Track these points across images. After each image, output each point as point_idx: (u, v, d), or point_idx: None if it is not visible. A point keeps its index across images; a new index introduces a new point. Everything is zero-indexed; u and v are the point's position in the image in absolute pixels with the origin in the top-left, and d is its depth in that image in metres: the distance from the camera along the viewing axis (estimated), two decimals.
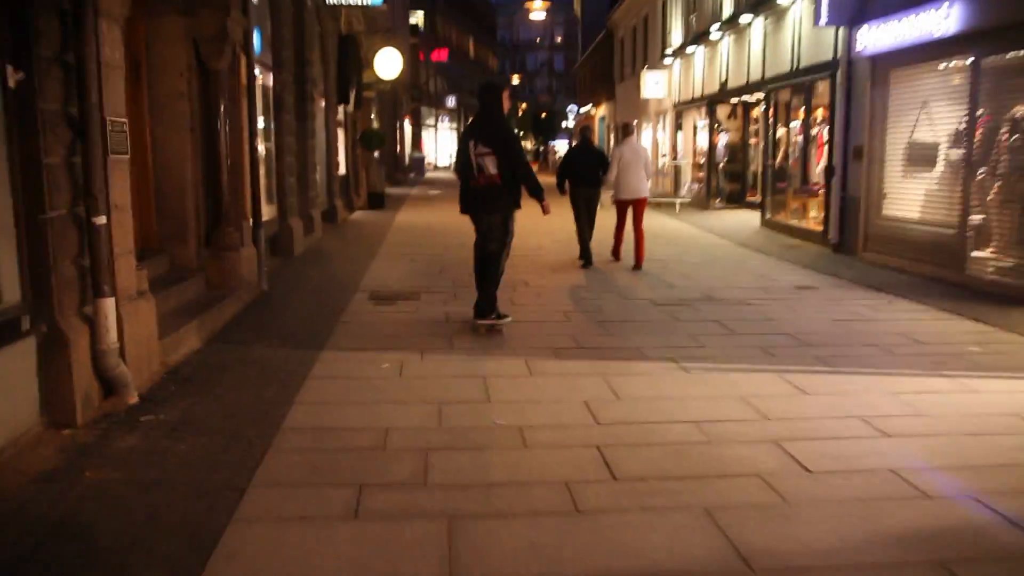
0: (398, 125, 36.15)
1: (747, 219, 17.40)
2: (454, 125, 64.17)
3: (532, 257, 11.48)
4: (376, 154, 21.83)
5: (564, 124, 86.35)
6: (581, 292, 8.88)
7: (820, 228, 13.47)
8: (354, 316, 7.42)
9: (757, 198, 18.77)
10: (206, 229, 7.58)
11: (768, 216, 15.79)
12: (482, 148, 6.53)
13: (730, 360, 6.03)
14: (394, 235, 14.04)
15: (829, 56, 12.67)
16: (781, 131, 15.73)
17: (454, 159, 8.20)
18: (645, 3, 26.80)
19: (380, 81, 19.89)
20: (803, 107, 15.12)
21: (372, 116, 24.87)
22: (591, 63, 43.54)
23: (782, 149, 15.79)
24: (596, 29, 41.20)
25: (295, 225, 11.17)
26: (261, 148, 10.22)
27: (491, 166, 6.52)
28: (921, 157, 10.68)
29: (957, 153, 9.73)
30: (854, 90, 11.94)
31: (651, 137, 27.00)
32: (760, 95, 17.13)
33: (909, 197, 10.88)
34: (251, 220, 8.33)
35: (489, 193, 6.61)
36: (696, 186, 21.67)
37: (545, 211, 7.26)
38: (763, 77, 15.82)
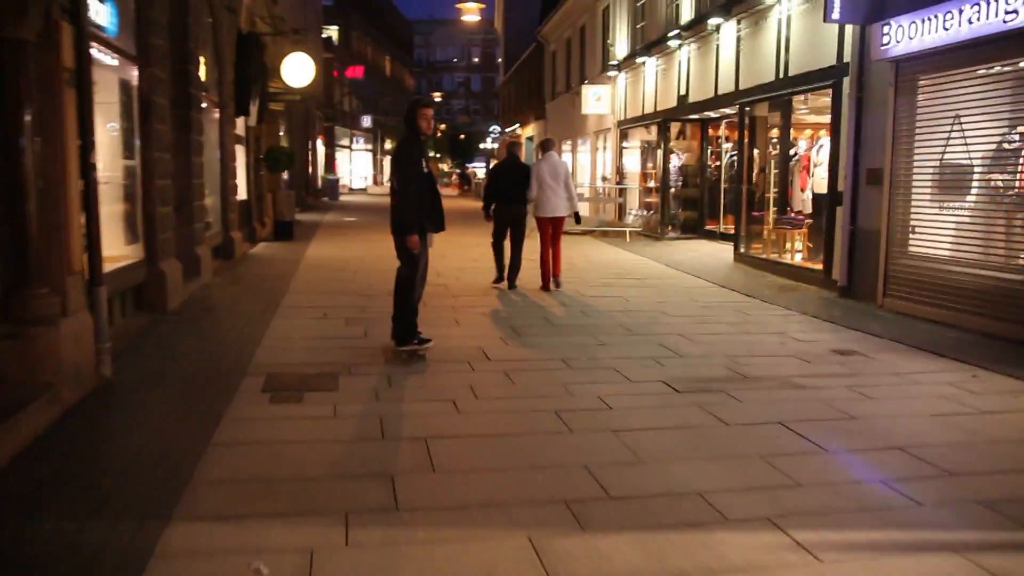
0: (310, 145, 33.23)
1: (712, 251, 15.30)
2: (370, 146, 61.39)
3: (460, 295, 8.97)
4: (284, 176, 19.00)
5: (482, 146, 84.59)
6: (549, 364, 6.41)
7: (818, 266, 11.38)
8: (236, 431, 4.74)
9: (718, 227, 16.76)
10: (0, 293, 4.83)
11: (743, 250, 13.68)
12: (392, 167, 6.63)
13: (856, 524, 3.65)
14: (303, 276, 11.32)
15: (831, 61, 10.62)
16: (752, 151, 13.69)
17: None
18: (582, 12, 24.74)
19: (289, 91, 17.14)
20: (782, 123, 13.14)
21: (280, 132, 22.02)
22: (517, 80, 41.45)
23: (757, 172, 13.73)
24: (521, 45, 39.18)
25: (170, 270, 8.39)
26: (117, 164, 7.48)
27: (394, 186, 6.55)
28: (960, 182, 8.67)
29: (1007, 177, 7.73)
30: (868, 101, 9.88)
31: (589, 159, 24.86)
32: (729, 110, 15.09)
33: (946, 231, 8.84)
34: (86, 272, 5.57)
35: (393, 212, 6.63)
36: (644, 213, 19.57)
37: (407, 244, 6.59)
38: (736, 88, 13.76)
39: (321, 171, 38.77)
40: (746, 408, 5.41)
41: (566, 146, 27.26)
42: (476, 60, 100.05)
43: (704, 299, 10.08)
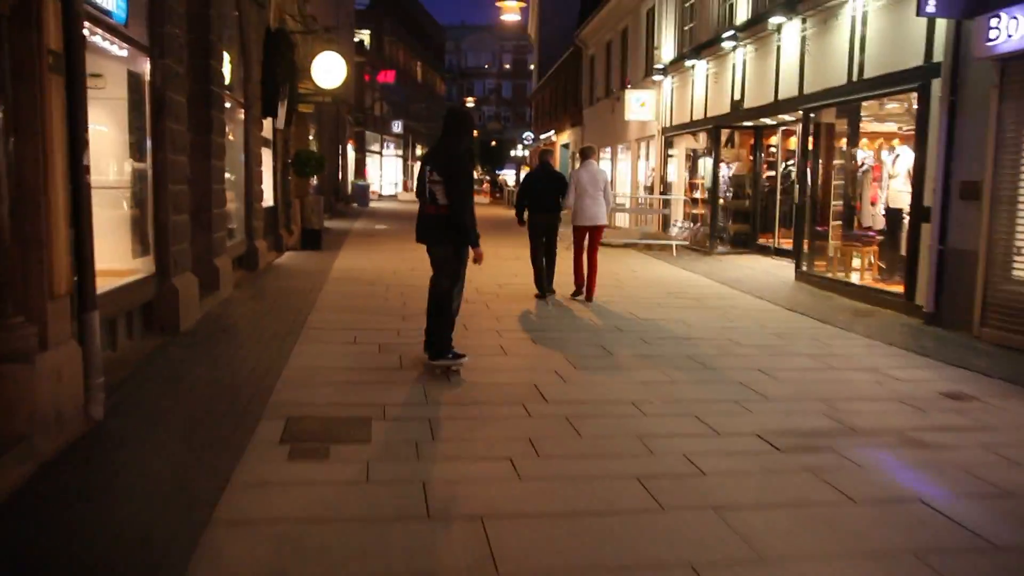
0: (340, 150, 32.52)
1: (768, 268, 14.21)
2: (400, 152, 60.76)
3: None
4: (313, 182, 18.19)
5: (512, 153, 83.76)
6: (617, 408, 5.41)
7: (897, 289, 10.30)
8: (244, 503, 3.80)
9: (772, 242, 15.67)
10: None
11: (805, 268, 12.60)
12: (434, 176, 6.17)
13: None
14: (331, 291, 10.42)
15: (918, 61, 9.55)
16: (817, 161, 12.60)
17: (416, 183, 6.93)
18: (624, 14, 23.74)
19: (319, 92, 16.31)
20: (850, 131, 12.06)
21: (309, 136, 21.24)
22: (552, 86, 40.50)
23: (821, 184, 12.64)
24: (556, 51, 38.25)
25: (183, 285, 7.51)
26: (125, 167, 6.63)
27: (441, 195, 6.16)
28: None
29: None
30: (963, 105, 8.81)
31: (630, 167, 23.83)
32: (788, 116, 14.03)
33: None
34: (76, 295, 4.68)
35: (439, 223, 6.24)
36: (690, 225, 18.50)
37: (476, 259, 6.43)
38: (800, 93, 12.69)
39: (351, 176, 38.08)
40: (869, 476, 4.39)
41: (605, 154, 26.26)
42: (507, 67, 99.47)
43: (773, 325, 9.03)
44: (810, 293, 11.55)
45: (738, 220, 17.00)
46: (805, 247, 12.67)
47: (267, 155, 14.06)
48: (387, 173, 56.29)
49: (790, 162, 15.75)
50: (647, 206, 20.76)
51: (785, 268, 14.07)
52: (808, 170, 12.57)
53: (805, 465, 4.50)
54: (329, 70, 15.49)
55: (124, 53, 6.52)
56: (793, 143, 15.78)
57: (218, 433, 4.71)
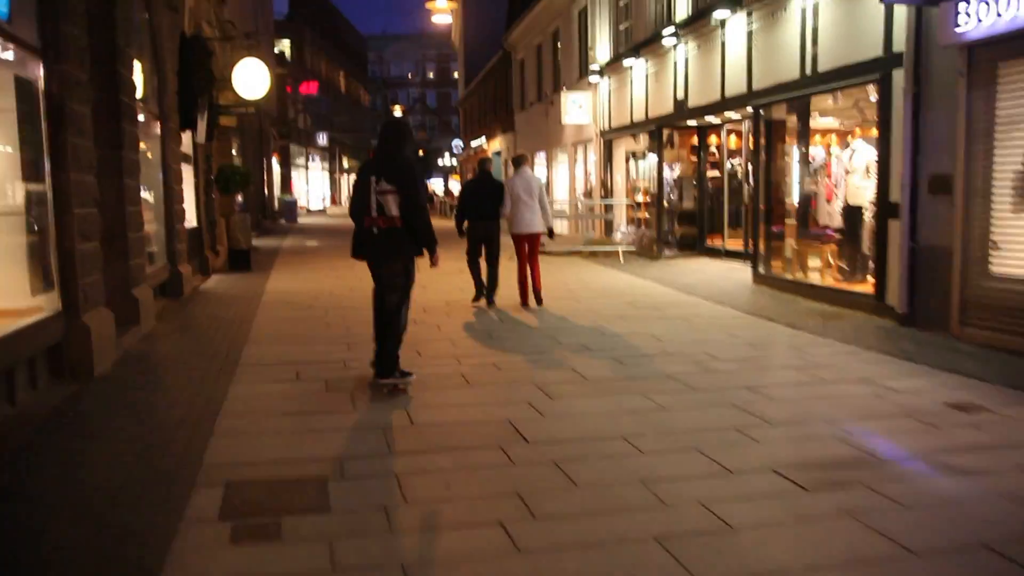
0: (265, 164, 31.28)
1: (721, 272, 13.78)
2: (326, 165, 59.35)
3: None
4: (239, 199, 17.14)
5: (440, 162, 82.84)
6: (610, 445, 4.73)
7: (864, 289, 9.93)
8: None
9: (722, 244, 15.28)
10: None
11: (762, 270, 12.17)
12: (384, 185, 5.86)
13: None
14: (266, 318, 9.52)
15: (876, 52, 9.16)
16: (769, 160, 12.20)
17: (350, 199, 6.54)
18: (554, 16, 23.21)
19: (241, 103, 15.30)
20: (800, 127, 11.68)
21: (232, 151, 20.14)
22: (480, 93, 39.87)
23: (774, 182, 12.24)
24: (482, 58, 37.68)
25: (96, 323, 6.56)
26: (15, 190, 5.72)
27: (393, 206, 5.87)
28: None
29: None
30: (929, 96, 8.43)
31: (567, 172, 23.30)
32: (735, 114, 13.64)
33: None
34: None
35: (389, 237, 5.93)
36: (633, 229, 18.04)
37: (433, 263, 6.35)
38: (749, 90, 12.28)
39: (277, 192, 36.78)
40: (917, 518, 3.79)
41: (539, 159, 25.72)
42: (431, 76, 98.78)
43: (744, 334, 8.50)
44: (771, 296, 11.10)
45: (683, 222, 16.59)
46: (761, 248, 12.24)
47: (187, 171, 13.03)
48: (314, 187, 54.87)
49: (735, 161, 15.41)
50: (588, 211, 20.23)
51: (738, 271, 13.67)
52: (760, 168, 12.15)
53: (841, 507, 3.89)
54: (251, 79, 14.51)
55: (9, 56, 5.59)
56: (734, 142, 15.45)
57: (139, 512, 3.85)
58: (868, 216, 10.66)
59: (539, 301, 10.21)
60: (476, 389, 6.24)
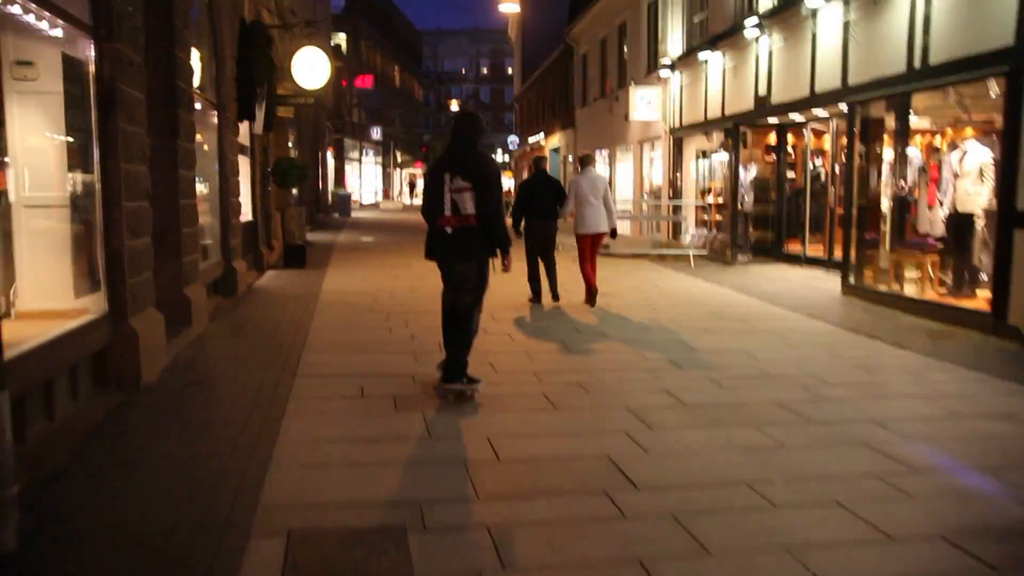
0: (320, 158, 30.94)
1: (803, 280, 12.86)
2: (379, 159, 59.15)
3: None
4: (294, 192, 16.65)
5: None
6: (736, 493, 3.97)
7: (977, 306, 9.00)
8: None
9: (802, 250, 14.33)
10: None
11: (853, 280, 11.24)
12: (460, 182, 5.40)
13: None
14: (324, 320, 8.90)
15: (1007, 41, 8.19)
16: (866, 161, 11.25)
17: (423, 197, 5.87)
18: (621, 8, 22.35)
19: (300, 93, 14.79)
20: (899, 125, 10.72)
21: (288, 143, 19.70)
22: (538, 88, 39.12)
23: (872, 185, 11.29)
24: (541, 52, 36.89)
25: (145, 326, 5.99)
26: (60, 179, 5.14)
27: (468, 204, 5.41)
28: None
29: None
30: None
31: (632, 171, 22.44)
32: (821, 112, 12.70)
33: None
34: None
35: (463, 237, 5.47)
36: (703, 232, 17.15)
37: (505, 268, 5.84)
38: (845, 85, 11.35)
39: (331, 186, 36.50)
40: None
41: (602, 157, 24.89)
42: (485, 72, 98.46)
43: (848, 353, 7.64)
44: (866, 310, 10.19)
45: (758, 226, 15.66)
46: (852, 257, 11.31)
47: (244, 163, 12.53)
48: (367, 182, 54.67)
49: (817, 162, 14.45)
50: (655, 212, 19.37)
51: (822, 279, 12.75)
52: (854, 170, 11.21)
53: None
54: (311, 68, 13.98)
55: (57, 32, 5.01)
56: (814, 142, 14.50)
57: (185, 568, 3.21)
58: (980, 225, 9.72)
59: (593, 301, 10.02)
60: (564, 414, 5.51)
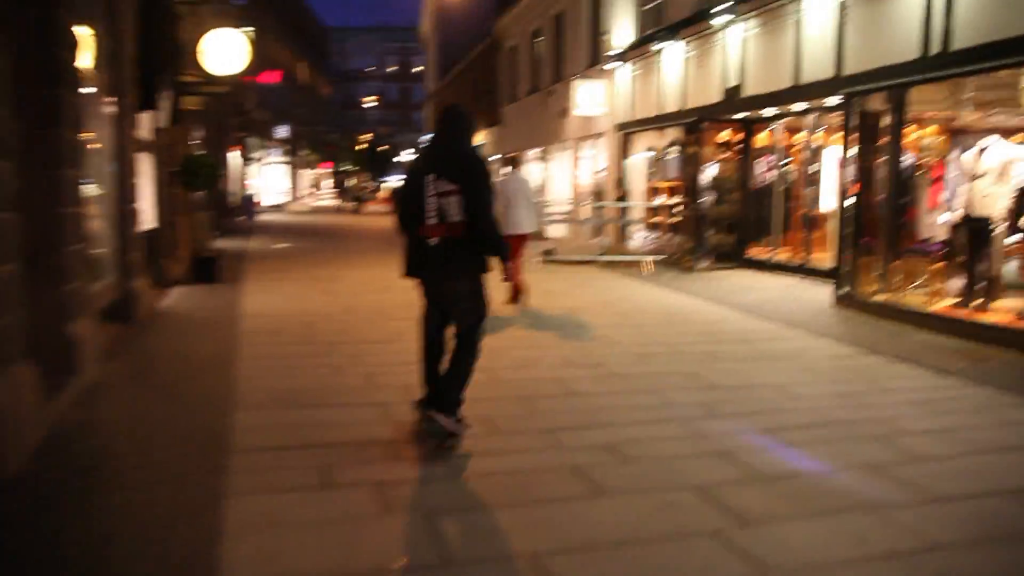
0: (224, 157, 28.52)
1: (783, 290, 11.71)
2: (286, 159, 56.34)
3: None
4: (199, 197, 14.60)
5: (396, 160, 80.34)
6: None
7: (1012, 322, 7.93)
8: None
9: (770, 255, 13.24)
10: None
11: (849, 289, 10.12)
12: (445, 185, 4.52)
13: None
14: (253, 359, 7.12)
15: None
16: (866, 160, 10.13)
17: (397, 204, 4.81)
18: None
19: (212, 81, 12.83)
20: (897, 119, 9.67)
21: (194, 141, 17.59)
22: (459, 84, 37.50)
23: (869, 186, 10.18)
24: (460, 47, 35.33)
25: (8, 397, 4.18)
26: None
27: (456, 210, 4.53)
28: None
29: None
30: None
31: (570, 170, 21.09)
32: (801, 104, 11.57)
33: None
34: None
35: (451, 249, 4.59)
36: (654, 236, 15.94)
37: (507, 276, 5.00)
38: (838, 73, 10.22)
39: (237, 187, 33.95)
40: None
41: (534, 154, 23.49)
42: (393, 69, 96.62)
43: (896, 385, 6.45)
44: (870, 325, 9.04)
45: (719, 230, 14.50)
46: (847, 264, 10.18)
47: (146, 162, 10.56)
48: (272, 182, 51.87)
49: (788, 160, 13.37)
50: (599, 215, 18.07)
51: (802, 288, 11.65)
52: (850, 170, 10.08)
53: None
54: (225, 51, 12.06)
55: None
56: (787, 139, 13.43)
57: None
58: (1001, 229, 8.69)
59: (517, 300, 9.84)
60: (612, 502, 4.00)
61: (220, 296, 10.71)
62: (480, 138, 32.19)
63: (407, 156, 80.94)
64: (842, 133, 10.23)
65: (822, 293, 11.13)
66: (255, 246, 19.12)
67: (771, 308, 10.13)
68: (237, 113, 33.87)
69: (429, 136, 4.87)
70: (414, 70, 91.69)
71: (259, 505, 3.85)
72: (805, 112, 11.89)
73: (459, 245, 4.59)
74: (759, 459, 4.61)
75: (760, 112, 12.58)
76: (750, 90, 12.25)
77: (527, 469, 4.40)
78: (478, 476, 4.30)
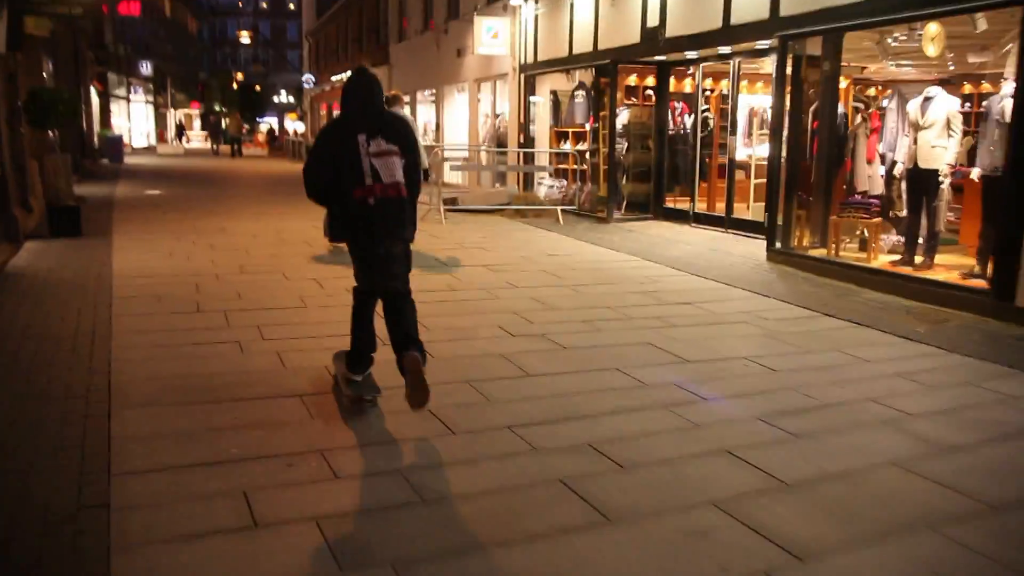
0: (82, 94, 25.79)
1: (708, 242, 11.18)
2: (150, 98, 52.38)
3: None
4: (54, 136, 12.77)
5: (276, 99, 76.58)
6: None
7: (969, 282, 7.56)
8: None
9: (690, 206, 12.69)
10: None
11: (780, 245, 9.62)
12: (384, 145, 4.25)
13: None
14: (130, 336, 5.87)
15: None
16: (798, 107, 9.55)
17: (313, 166, 4.27)
18: None
19: (61, 2, 11.00)
20: (832, 67, 9.16)
21: (43, 74, 15.48)
22: (341, 21, 35.34)
23: (801, 136, 9.63)
24: None
25: None
26: None
27: (396, 170, 4.27)
28: None
29: None
30: None
31: (468, 113, 19.93)
32: (725, 49, 10.92)
33: None
34: None
35: (394, 208, 4.27)
36: (562, 184, 15.16)
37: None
38: (774, 14, 9.55)
39: (97, 127, 31.04)
40: None
41: (425, 96, 22.19)
42: (264, 5, 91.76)
43: (870, 355, 5.88)
44: (811, 283, 8.55)
45: (633, 179, 13.82)
46: (780, 218, 9.65)
47: None
48: (137, 123, 48.14)
49: (706, 108, 12.76)
50: (499, 161, 17.09)
51: (730, 242, 11.17)
52: (785, 119, 9.48)
53: None
54: None
55: None
56: (705, 83, 12.82)
57: None
58: (947, 184, 8.29)
59: None
60: (625, 535, 3.14)
61: (86, 253, 9.21)
62: None
63: (283, 97, 77.22)
64: (765, 79, 9.61)
65: (751, 247, 10.64)
66: (124, 192, 17.20)
67: (703, 264, 9.53)
68: (94, 46, 30.82)
69: (350, 97, 4.43)
70: (289, 6, 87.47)
71: (154, 563, 2.80)
72: (730, 56, 11.21)
73: (401, 205, 4.30)
74: (775, 460, 3.87)
75: (683, 55, 11.83)
76: (673, 31, 11.46)
77: (507, 486, 3.50)
78: (453, 501, 3.36)
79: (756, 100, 12.31)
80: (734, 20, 10.24)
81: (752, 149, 12.06)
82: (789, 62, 9.34)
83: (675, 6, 11.43)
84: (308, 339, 5.69)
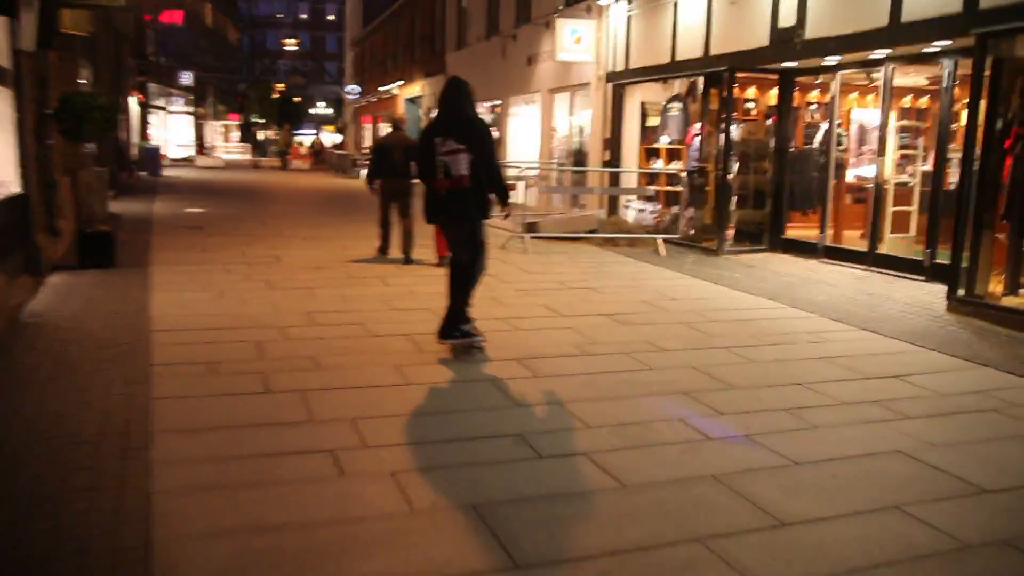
0: (122, 103, 24.50)
1: (852, 283, 9.33)
2: (190, 108, 51.44)
3: None
4: (90, 147, 11.19)
5: (312, 111, 75.88)
6: None
7: None
8: None
9: (814, 236, 10.82)
10: None
11: (963, 291, 7.75)
12: (453, 144, 5.54)
13: None
14: (173, 434, 4.22)
15: None
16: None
17: (419, 163, 5.87)
18: None
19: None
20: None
21: (80, 80, 14.01)
22: (390, 29, 33.90)
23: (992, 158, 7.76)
24: None
25: None
26: None
27: (462, 165, 5.53)
28: None
29: None
30: None
31: (541, 128, 18.16)
32: (879, 53, 9.08)
33: None
34: None
35: (455, 199, 5.61)
36: (653, 208, 13.38)
37: (507, 214, 6.02)
38: (969, 9, 7.72)
39: (135, 138, 29.78)
40: None
41: (485, 109, 20.53)
42: (305, 16, 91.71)
43: None
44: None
45: (743, 203, 11.99)
46: (966, 256, 7.79)
47: (5, 98, 7.30)
48: (177, 134, 47.11)
49: (836, 123, 10.90)
50: (576, 182, 15.35)
51: (878, 282, 9.32)
52: (979, 134, 7.63)
53: None
54: None
55: None
56: (815, 96, 10.96)
57: None
58: None
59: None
60: None
61: (117, 292, 7.59)
62: (416, 88, 28.89)
63: (321, 109, 76.43)
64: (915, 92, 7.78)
65: (911, 291, 8.82)
66: (163, 209, 15.72)
67: (866, 314, 7.70)
68: (136, 55, 29.66)
69: (439, 102, 5.69)
70: (328, 17, 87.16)
71: None
72: (882, 62, 9.40)
73: (463, 195, 5.51)
74: None
75: (819, 61, 10.01)
76: (814, 32, 9.63)
77: None
78: None
79: (898, 115, 10.46)
80: (905, 17, 8.39)
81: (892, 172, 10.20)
82: (988, 65, 7.48)
83: (818, 3, 9.60)
84: (431, 445, 3.96)
